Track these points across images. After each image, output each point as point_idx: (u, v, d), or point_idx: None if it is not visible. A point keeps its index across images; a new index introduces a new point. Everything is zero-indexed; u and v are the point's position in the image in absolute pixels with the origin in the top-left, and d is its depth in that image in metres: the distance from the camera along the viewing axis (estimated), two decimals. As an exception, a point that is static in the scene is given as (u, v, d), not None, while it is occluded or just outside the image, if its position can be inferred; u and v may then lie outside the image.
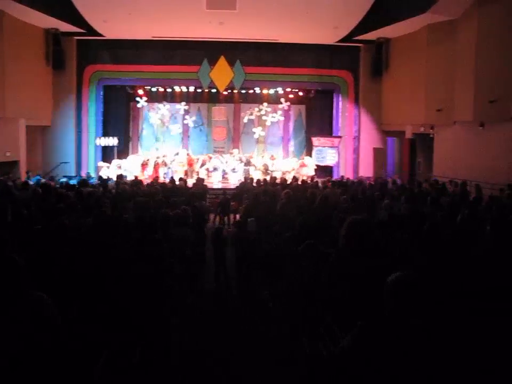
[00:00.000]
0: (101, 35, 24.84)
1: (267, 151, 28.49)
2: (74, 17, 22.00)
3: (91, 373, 4.20)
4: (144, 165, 25.11)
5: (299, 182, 17.45)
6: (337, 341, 4.25)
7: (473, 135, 20.34)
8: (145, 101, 27.84)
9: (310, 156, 26.84)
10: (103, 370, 4.32)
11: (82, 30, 23.82)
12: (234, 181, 24.09)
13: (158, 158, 25.84)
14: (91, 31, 23.97)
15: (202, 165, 25.77)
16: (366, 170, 26.07)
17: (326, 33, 24.10)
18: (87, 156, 26.31)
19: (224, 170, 25.49)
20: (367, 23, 22.61)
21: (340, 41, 25.32)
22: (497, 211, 8.98)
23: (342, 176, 20.79)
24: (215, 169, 25.42)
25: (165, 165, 25.33)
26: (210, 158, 26.39)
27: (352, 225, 4.96)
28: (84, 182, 14.35)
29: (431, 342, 2.94)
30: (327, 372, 4.37)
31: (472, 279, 5.49)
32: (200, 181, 17.70)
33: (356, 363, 2.95)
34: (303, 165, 25.63)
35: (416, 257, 6.21)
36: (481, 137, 19.90)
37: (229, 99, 28.02)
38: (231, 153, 27.00)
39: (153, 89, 27.67)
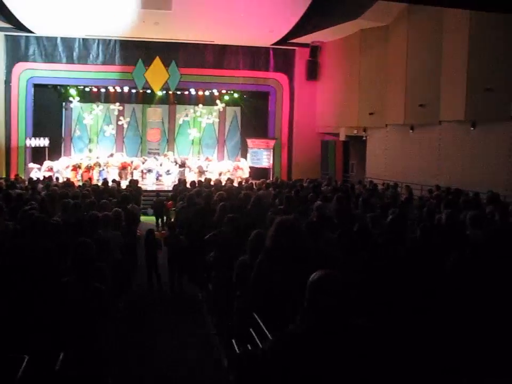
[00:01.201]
0: (31, 31, 24.02)
1: (202, 153, 28.33)
2: (2, 11, 21.11)
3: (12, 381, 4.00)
4: (76, 167, 24.44)
5: (234, 184, 17.42)
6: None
7: (404, 137, 20.90)
8: (78, 101, 27.10)
9: (245, 157, 26.89)
10: (23, 377, 4.12)
11: (10, 26, 22.95)
12: (168, 183, 23.82)
13: (90, 159, 25.22)
14: (20, 26, 23.10)
15: (136, 168, 25.29)
16: (301, 172, 26.28)
17: (262, 36, 24.23)
18: (17, 157, 25.40)
19: (159, 172, 25.14)
20: (302, 27, 22.83)
21: (275, 44, 25.50)
22: (427, 212, 9.18)
23: (277, 178, 20.87)
24: (149, 171, 25.05)
25: (99, 166, 24.75)
26: (145, 159, 25.99)
27: (280, 226, 4.92)
28: (12, 184, 13.87)
29: (356, 343, 2.93)
30: (254, 373, 4.32)
31: (400, 278, 5.58)
32: (133, 182, 17.38)
33: (275, 365, 2.91)
34: (237, 167, 25.64)
35: (346, 257, 6.28)
36: (411, 140, 20.45)
37: (164, 100, 27.66)
38: (166, 155, 26.66)
39: (87, 89, 26.99)
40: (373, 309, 4.80)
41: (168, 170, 24.86)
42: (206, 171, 24.80)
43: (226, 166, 25.90)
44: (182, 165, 25.23)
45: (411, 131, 20.28)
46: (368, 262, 5.97)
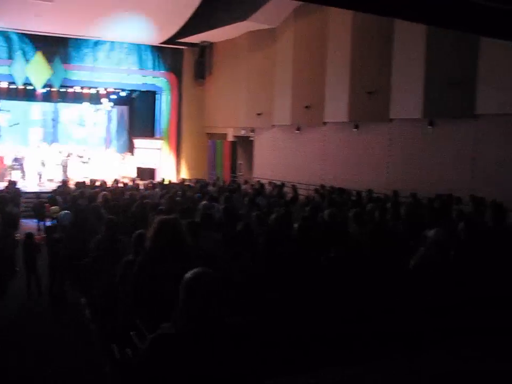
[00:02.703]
0: None
1: (88, 152, 27.40)
2: None
3: None
4: None
5: (120, 184, 17.01)
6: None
7: (291, 138, 21.36)
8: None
9: (132, 157, 26.36)
10: None
11: None
12: (51, 183, 22.75)
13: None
14: None
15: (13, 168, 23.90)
16: (189, 172, 26.19)
17: (150, 33, 23.81)
18: None
19: (40, 173, 23.91)
20: (191, 26, 22.71)
21: (164, 42, 25.17)
22: (310, 210, 9.38)
23: (163, 178, 20.62)
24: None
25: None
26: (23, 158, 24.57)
27: (160, 225, 4.81)
28: None
29: (228, 342, 2.90)
30: (133, 378, 4.19)
31: (280, 276, 5.65)
32: (12, 184, 16.51)
33: (150, 368, 2.83)
34: (124, 167, 25.07)
35: (229, 256, 6.27)
36: (297, 141, 20.94)
37: (48, 97, 26.38)
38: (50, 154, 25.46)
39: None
40: (255, 308, 4.83)
41: (51, 170, 23.73)
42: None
43: (113, 166, 25.18)
44: (66, 165, 24.14)
45: (297, 132, 20.76)
46: (251, 261, 6.00)
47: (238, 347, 2.92)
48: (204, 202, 9.98)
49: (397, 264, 5.98)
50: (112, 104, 27.55)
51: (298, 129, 20.72)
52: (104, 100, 27.19)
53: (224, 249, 6.42)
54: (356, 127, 17.99)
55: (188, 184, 16.75)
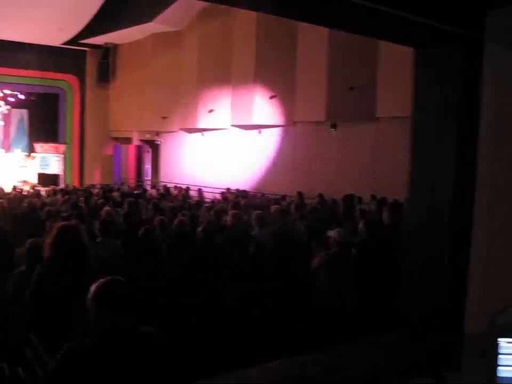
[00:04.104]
0: None
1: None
2: None
3: None
4: None
5: (19, 191, 16.26)
6: (44, 363, 3.89)
7: (197, 142, 21.27)
8: None
9: (33, 163, 25.24)
10: None
11: None
12: None
13: None
14: None
15: None
16: (94, 177, 25.43)
17: (50, 34, 22.82)
18: None
19: None
20: (94, 27, 22.08)
21: (65, 43, 24.28)
22: (214, 214, 9.34)
23: (67, 184, 19.94)
24: None
25: None
26: None
27: (61, 232, 4.55)
28: None
29: (144, 351, 2.84)
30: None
31: (183, 281, 5.58)
32: None
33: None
34: (24, 173, 23.97)
35: (130, 263, 6.11)
36: (204, 144, 20.89)
37: None
38: None
39: None
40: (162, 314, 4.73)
41: None
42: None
43: (12, 172, 24.00)
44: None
45: (202, 135, 20.70)
46: (153, 267, 5.89)
47: (155, 355, 2.86)
48: (106, 208, 9.72)
49: (297, 265, 6.08)
50: (9, 107, 26.21)
51: (202, 132, 20.67)
52: (1, 103, 25.87)
53: (124, 256, 6.24)
54: (260, 130, 18.20)
55: (91, 190, 16.24)
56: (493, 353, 2.64)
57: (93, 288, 2.84)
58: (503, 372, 2.65)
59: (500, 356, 2.64)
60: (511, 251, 3.26)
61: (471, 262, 3.39)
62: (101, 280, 2.87)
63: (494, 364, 2.65)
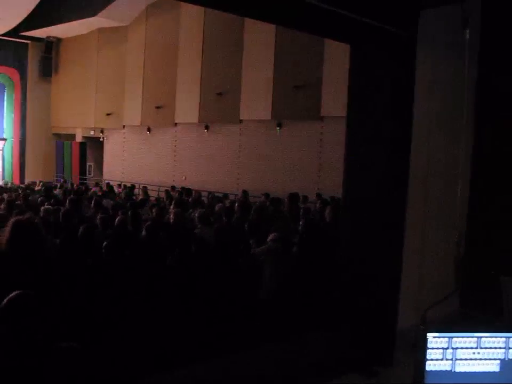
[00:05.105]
0: None
1: None
2: None
3: None
4: None
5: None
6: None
7: (142, 139, 21.00)
8: None
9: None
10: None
11: None
12: None
13: None
14: None
15: None
16: (34, 174, 24.68)
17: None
18: None
19: None
20: (35, 19, 21.48)
21: (4, 35, 23.48)
22: (156, 212, 9.24)
23: (6, 182, 19.37)
24: None
25: None
26: None
27: (17, 227, 4.32)
28: None
29: (61, 367, 2.70)
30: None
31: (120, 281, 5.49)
32: None
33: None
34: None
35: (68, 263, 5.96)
36: (149, 141, 20.64)
37: None
38: None
39: None
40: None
41: None
42: None
43: None
44: None
45: (148, 132, 20.47)
46: (92, 267, 5.77)
47: (72, 371, 2.72)
48: (46, 206, 9.47)
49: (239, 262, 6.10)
50: None
51: (149, 130, 20.44)
52: None
53: (61, 255, 6.07)
54: (206, 128, 18.09)
55: (32, 187, 15.81)
56: (421, 348, 2.68)
57: (5, 300, 2.69)
58: (431, 365, 2.70)
59: (428, 351, 2.69)
60: (442, 246, 3.33)
61: (404, 259, 3.44)
62: (13, 293, 2.72)
63: (422, 359, 2.69)
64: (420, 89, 3.27)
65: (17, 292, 2.73)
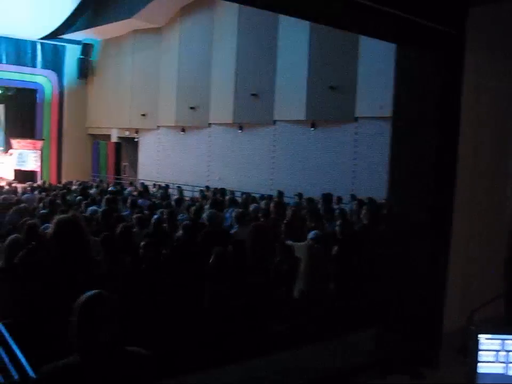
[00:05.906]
0: None
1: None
2: None
3: None
4: None
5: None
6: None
7: (176, 139, 21.13)
8: None
9: (10, 159, 24.85)
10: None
11: None
12: None
13: None
14: None
15: None
16: (71, 174, 25.06)
17: (28, 27, 22.47)
18: None
19: None
20: (73, 22, 21.84)
21: (44, 38, 23.93)
22: (194, 211, 9.29)
23: (44, 181, 19.67)
24: None
25: None
26: None
27: (61, 224, 4.35)
28: None
29: (131, 371, 2.68)
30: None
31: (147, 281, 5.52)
32: None
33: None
34: (0, 169, 23.60)
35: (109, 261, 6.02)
36: (183, 142, 20.77)
37: None
38: None
39: None
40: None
41: None
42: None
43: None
44: None
45: (182, 133, 20.59)
46: (132, 265, 5.82)
47: (139, 376, 2.70)
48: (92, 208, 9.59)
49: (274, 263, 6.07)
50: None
51: (183, 130, 20.56)
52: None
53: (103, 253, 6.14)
54: (241, 128, 18.12)
55: (69, 187, 16.03)
56: (473, 350, 2.63)
57: (77, 302, 2.66)
58: (483, 368, 2.65)
59: (480, 352, 2.63)
60: (487, 249, 3.27)
61: (450, 261, 3.39)
62: (85, 295, 2.69)
63: (474, 360, 2.64)
64: (467, 90, 3.21)
65: (94, 291, 2.70)
